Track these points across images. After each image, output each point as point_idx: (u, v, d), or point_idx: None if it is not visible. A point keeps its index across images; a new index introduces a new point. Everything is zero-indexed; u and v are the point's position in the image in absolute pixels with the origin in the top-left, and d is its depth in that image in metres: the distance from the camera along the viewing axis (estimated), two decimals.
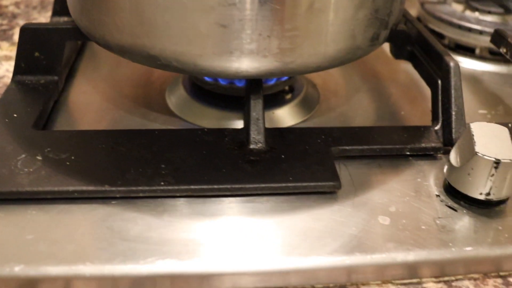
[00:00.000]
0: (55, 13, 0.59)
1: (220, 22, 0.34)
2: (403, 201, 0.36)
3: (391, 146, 0.40)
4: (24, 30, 0.45)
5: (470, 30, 0.60)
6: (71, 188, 0.34)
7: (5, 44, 0.61)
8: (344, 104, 0.50)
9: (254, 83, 0.41)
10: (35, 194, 0.34)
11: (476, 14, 0.63)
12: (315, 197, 0.36)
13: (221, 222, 0.34)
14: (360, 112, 0.48)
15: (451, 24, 0.61)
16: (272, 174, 0.36)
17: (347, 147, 0.40)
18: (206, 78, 0.46)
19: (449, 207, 0.36)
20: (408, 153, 0.40)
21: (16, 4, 0.73)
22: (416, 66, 0.48)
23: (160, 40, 0.36)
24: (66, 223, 0.33)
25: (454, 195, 0.37)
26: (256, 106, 0.39)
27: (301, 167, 0.37)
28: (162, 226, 0.33)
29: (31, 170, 0.35)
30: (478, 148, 0.34)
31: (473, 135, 0.35)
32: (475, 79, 0.57)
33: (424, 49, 0.47)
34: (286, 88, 0.48)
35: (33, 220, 0.33)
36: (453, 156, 0.37)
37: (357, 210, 0.35)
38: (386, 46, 0.53)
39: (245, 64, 0.36)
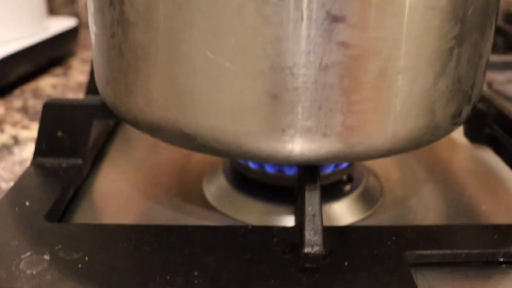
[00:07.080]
0: (89, 91, 0.55)
1: (271, 91, 0.27)
2: None
3: (480, 250, 0.32)
4: (47, 106, 0.40)
5: None
6: None
7: (35, 126, 0.57)
8: (411, 197, 0.42)
9: (310, 170, 0.34)
10: None
11: None
12: None
13: None
14: (431, 206, 0.41)
15: None
16: (334, 287, 0.28)
17: (425, 252, 0.32)
18: (251, 165, 0.39)
19: None
20: (501, 259, 0.32)
21: (54, 86, 0.71)
22: (498, 152, 0.41)
23: (196, 114, 0.29)
24: None
25: None
26: (312, 199, 0.32)
27: (370, 278, 0.29)
28: None
29: (35, 273, 0.29)
30: None
31: None
32: None
33: (508, 131, 0.40)
34: (344, 177, 0.41)
35: None
36: None
37: None
38: None
39: (301, 145, 0.29)
